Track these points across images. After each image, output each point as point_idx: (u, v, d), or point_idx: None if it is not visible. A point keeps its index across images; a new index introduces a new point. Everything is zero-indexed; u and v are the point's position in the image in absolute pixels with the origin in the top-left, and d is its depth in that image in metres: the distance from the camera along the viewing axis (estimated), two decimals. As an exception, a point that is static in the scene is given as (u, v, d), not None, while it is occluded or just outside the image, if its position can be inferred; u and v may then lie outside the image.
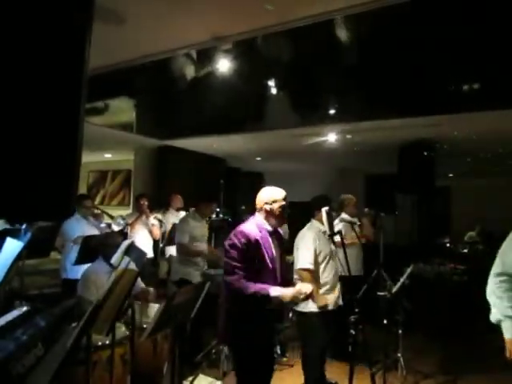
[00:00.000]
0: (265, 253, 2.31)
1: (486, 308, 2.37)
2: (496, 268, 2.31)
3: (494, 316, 2.29)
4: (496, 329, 2.28)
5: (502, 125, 4.95)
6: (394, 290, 3.57)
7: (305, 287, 2.31)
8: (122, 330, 2.70)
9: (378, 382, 3.47)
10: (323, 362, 3.50)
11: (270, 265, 2.32)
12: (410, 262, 3.97)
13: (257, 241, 2.28)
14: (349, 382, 2.18)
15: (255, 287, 2.20)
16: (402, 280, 3.66)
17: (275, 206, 2.43)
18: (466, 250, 7.92)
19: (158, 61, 3.92)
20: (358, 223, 4.15)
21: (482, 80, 4.45)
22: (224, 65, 4.25)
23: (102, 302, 1.58)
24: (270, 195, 2.47)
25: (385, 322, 3.56)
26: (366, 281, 4.32)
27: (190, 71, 4.28)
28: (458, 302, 5.22)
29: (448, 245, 8.31)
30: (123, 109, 6.25)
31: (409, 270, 3.77)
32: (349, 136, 5.94)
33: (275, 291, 2.22)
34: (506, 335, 2.21)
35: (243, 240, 2.25)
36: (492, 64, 4.15)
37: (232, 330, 2.34)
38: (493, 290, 2.31)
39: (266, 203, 2.44)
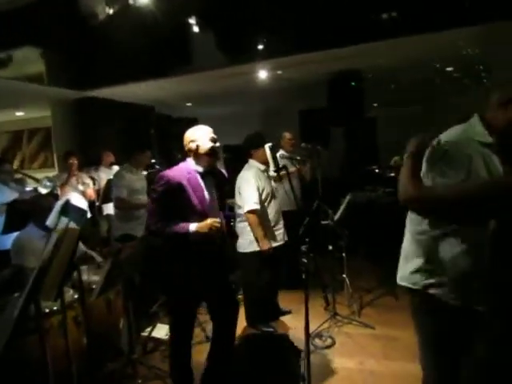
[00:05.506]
0: (191, 195, 2.29)
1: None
2: None
3: None
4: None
5: (417, 50, 5.12)
6: (336, 217, 3.76)
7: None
8: (69, 293, 2.59)
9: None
10: (275, 295, 3.66)
11: (199, 206, 2.32)
12: (345, 192, 4.15)
13: (180, 184, 2.26)
14: (305, 307, 2.29)
15: (174, 227, 2.24)
16: (342, 208, 3.85)
17: (200, 144, 2.37)
18: (392, 174, 8.49)
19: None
20: (298, 158, 4.20)
21: (399, 8, 4.54)
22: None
23: (46, 266, 1.46)
24: (193, 134, 2.41)
25: (330, 248, 3.76)
26: (307, 213, 4.47)
27: (101, 8, 3.84)
28: (389, 222, 5.63)
29: (377, 171, 8.85)
30: (29, 59, 5.55)
31: (348, 198, 3.97)
32: (279, 72, 5.84)
33: (193, 227, 2.26)
34: None
35: (164, 183, 2.26)
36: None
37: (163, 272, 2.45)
38: None
39: (191, 142, 2.39)
